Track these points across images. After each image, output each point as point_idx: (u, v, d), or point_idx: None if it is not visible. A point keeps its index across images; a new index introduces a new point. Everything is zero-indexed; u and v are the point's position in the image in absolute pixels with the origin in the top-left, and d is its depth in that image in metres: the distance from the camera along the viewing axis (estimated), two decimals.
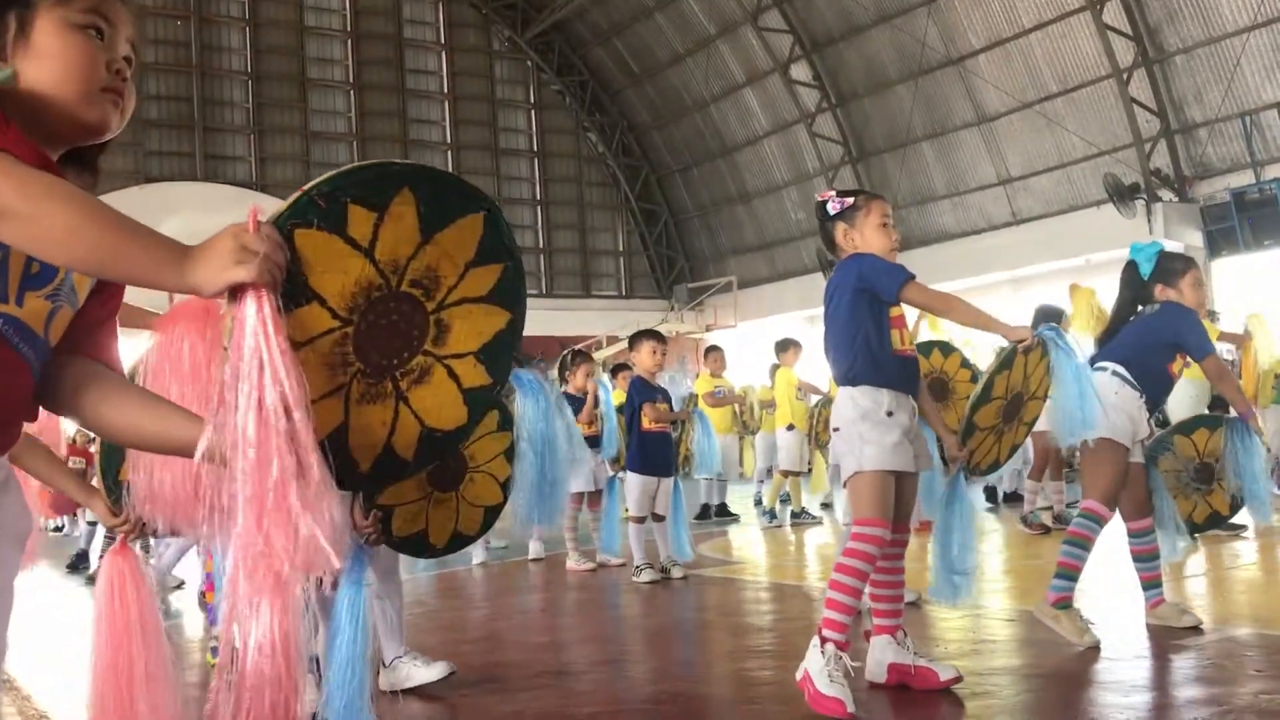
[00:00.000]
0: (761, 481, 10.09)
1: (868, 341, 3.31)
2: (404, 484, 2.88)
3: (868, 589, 3.42)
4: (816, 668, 3.06)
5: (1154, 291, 4.15)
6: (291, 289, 1.30)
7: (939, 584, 3.55)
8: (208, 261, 1.21)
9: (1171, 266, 4.18)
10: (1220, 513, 4.45)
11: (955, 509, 3.55)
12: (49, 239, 1.15)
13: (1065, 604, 3.85)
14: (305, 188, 1.34)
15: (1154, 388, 4.07)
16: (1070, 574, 3.88)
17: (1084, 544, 3.90)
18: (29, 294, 1.28)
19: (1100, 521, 3.92)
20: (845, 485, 3.39)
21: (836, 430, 3.40)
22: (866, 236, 3.42)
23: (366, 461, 1.49)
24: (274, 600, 1.24)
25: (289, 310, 1.29)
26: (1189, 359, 4.16)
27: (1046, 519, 7.59)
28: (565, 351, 7.59)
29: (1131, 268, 4.22)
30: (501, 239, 1.50)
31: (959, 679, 3.26)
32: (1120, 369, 4.02)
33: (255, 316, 1.23)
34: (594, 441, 6.99)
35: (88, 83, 1.33)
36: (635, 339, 6.61)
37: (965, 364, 5.10)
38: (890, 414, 3.28)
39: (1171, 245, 4.67)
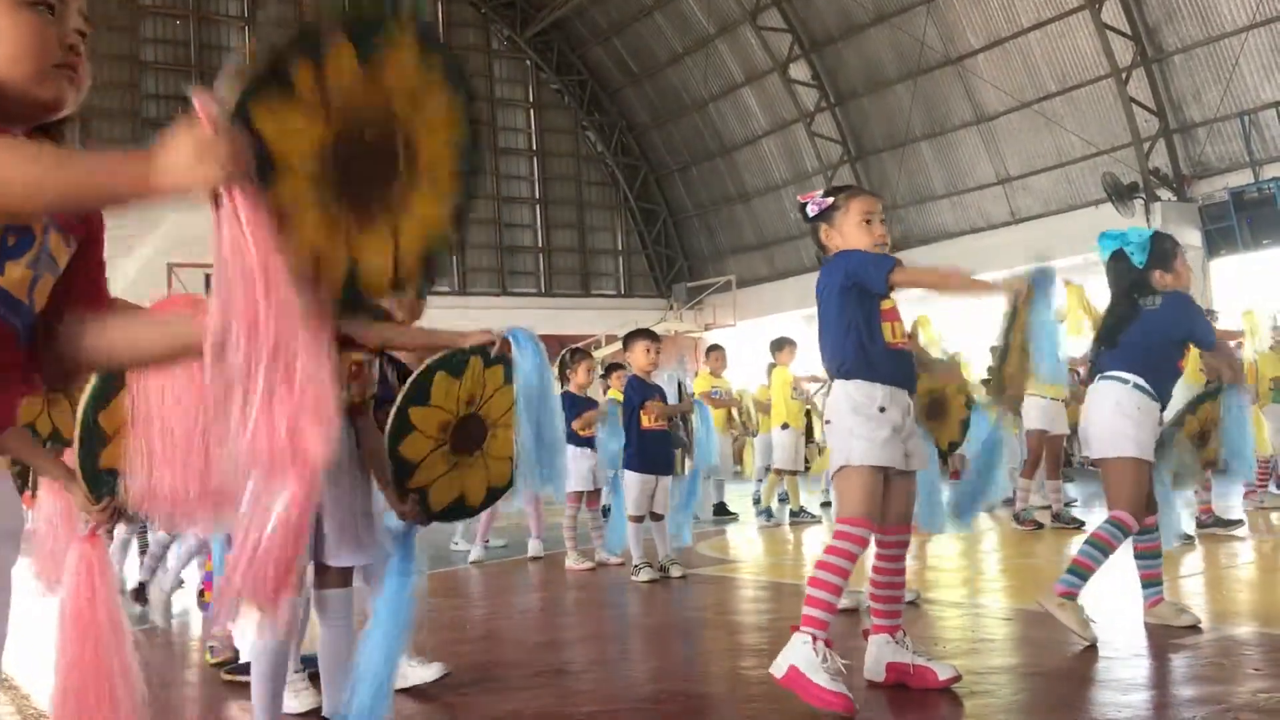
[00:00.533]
0: (760, 481, 10.11)
1: (859, 337, 3.30)
2: (434, 460, 2.91)
3: (867, 588, 3.42)
4: (812, 664, 3.03)
5: (1153, 278, 4.09)
6: (262, 168, 1.26)
7: (941, 513, 3.55)
8: (174, 165, 1.16)
9: (1165, 249, 4.13)
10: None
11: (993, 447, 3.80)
12: (20, 195, 1.16)
13: (1070, 598, 3.87)
14: (250, 65, 1.35)
15: (1166, 389, 4.07)
16: (1083, 573, 3.89)
17: (1104, 548, 3.91)
18: (9, 263, 1.29)
19: (1126, 531, 3.93)
20: (833, 479, 3.38)
21: (829, 423, 3.40)
22: (846, 234, 3.39)
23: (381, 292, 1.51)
24: (295, 476, 1.25)
25: (266, 190, 1.25)
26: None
27: (1043, 517, 7.59)
28: (565, 350, 7.56)
29: (1120, 259, 4.15)
30: (438, 47, 1.53)
31: (957, 678, 3.26)
32: (1142, 382, 3.98)
33: (232, 216, 1.20)
34: (591, 441, 6.99)
35: (40, 60, 1.31)
36: (629, 339, 6.61)
37: (961, 388, 5.04)
38: (883, 409, 3.27)
39: None
